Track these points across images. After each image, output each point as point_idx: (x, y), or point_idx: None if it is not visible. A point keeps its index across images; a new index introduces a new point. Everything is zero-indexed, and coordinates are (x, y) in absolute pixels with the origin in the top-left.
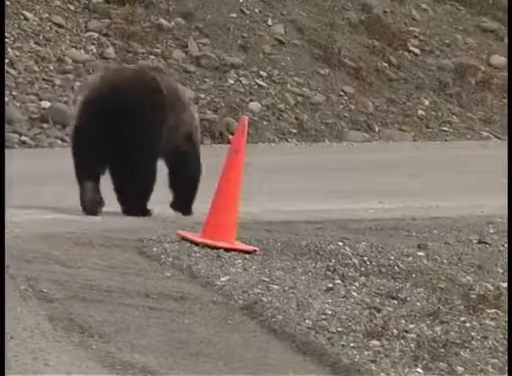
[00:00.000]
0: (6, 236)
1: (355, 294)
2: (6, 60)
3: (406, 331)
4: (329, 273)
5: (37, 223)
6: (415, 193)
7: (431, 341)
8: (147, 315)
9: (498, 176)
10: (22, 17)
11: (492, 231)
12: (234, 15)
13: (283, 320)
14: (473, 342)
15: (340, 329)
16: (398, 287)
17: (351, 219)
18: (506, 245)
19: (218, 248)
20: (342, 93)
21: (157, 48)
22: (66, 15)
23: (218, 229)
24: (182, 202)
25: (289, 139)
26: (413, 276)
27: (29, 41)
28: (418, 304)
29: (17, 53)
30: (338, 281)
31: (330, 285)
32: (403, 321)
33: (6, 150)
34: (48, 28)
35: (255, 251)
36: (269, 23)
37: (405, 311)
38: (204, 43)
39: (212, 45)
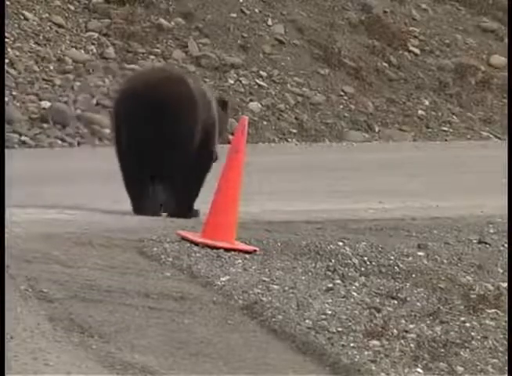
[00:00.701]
0: (6, 236)
1: (355, 294)
2: (6, 60)
3: (406, 331)
4: (329, 273)
5: (37, 223)
6: (415, 193)
7: (431, 341)
8: (147, 315)
9: (498, 176)
10: (22, 17)
11: (492, 231)
12: (234, 15)
13: (283, 320)
14: (473, 342)
15: (340, 329)
16: (398, 287)
17: (351, 219)
18: (506, 245)
19: (218, 248)
20: (342, 93)
21: (157, 48)
22: (66, 15)
23: (218, 229)
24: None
25: (289, 139)
26: (413, 276)
27: (29, 41)
28: (418, 304)
29: (17, 53)
30: (338, 281)
31: (330, 285)
32: (403, 321)
33: (6, 150)
34: (48, 28)
35: (255, 251)
36: (269, 23)
37: (405, 311)
38: (204, 43)
39: (212, 45)
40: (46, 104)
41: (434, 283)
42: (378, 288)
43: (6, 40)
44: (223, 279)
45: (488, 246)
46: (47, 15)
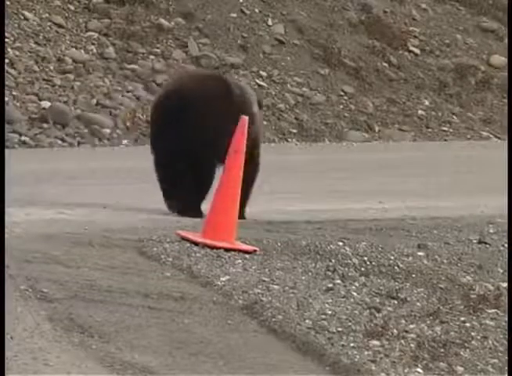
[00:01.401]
0: (6, 236)
1: (355, 294)
2: (6, 60)
3: (406, 331)
4: (329, 273)
5: (37, 223)
6: (415, 193)
7: (431, 341)
8: (147, 315)
9: (498, 176)
10: (22, 17)
11: (492, 231)
12: (234, 15)
13: (283, 320)
14: (473, 342)
15: (340, 329)
16: (398, 287)
17: (351, 219)
18: (506, 245)
19: (218, 248)
20: (342, 93)
21: (157, 48)
22: (66, 15)
23: (218, 229)
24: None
25: (289, 139)
26: (413, 276)
27: (29, 41)
28: (418, 304)
29: (17, 53)
30: (338, 281)
31: (330, 285)
32: (403, 321)
33: (6, 150)
34: (48, 28)
35: (255, 251)
36: (269, 23)
37: (405, 311)
38: (204, 43)
39: (212, 45)
40: (46, 104)
41: (434, 283)
42: (378, 288)
43: (6, 40)
44: (223, 279)
45: (488, 246)
46: (47, 15)
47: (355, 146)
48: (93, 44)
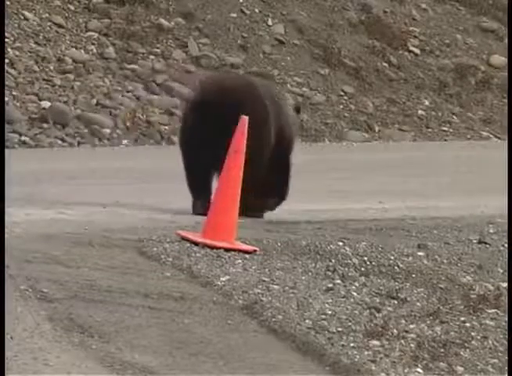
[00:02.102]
0: (6, 236)
1: (355, 294)
2: (6, 60)
3: (406, 331)
4: (329, 273)
5: (37, 223)
6: (415, 193)
7: (431, 341)
8: (147, 315)
9: (498, 176)
10: (22, 17)
11: (492, 231)
12: (234, 15)
13: (283, 320)
14: (473, 342)
15: (340, 329)
16: (398, 287)
17: (351, 219)
18: (506, 245)
19: (218, 248)
20: (342, 93)
21: (157, 48)
22: (66, 15)
23: (218, 229)
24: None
25: None
26: (413, 276)
27: (29, 41)
28: (418, 304)
29: (17, 53)
30: (338, 281)
31: (330, 285)
32: (403, 321)
33: (6, 150)
34: (48, 28)
35: (255, 251)
36: (269, 23)
37: (405, 311)
38: (204, 43)
39: (212, 45)
40: (46, 104)
41: (434, 283)
42: (378, 288)
43: (6, 40)
44: (223, 279)
45: (488, 246)
46: (47, 15)
47: (355, 146)
48: (93, 44)
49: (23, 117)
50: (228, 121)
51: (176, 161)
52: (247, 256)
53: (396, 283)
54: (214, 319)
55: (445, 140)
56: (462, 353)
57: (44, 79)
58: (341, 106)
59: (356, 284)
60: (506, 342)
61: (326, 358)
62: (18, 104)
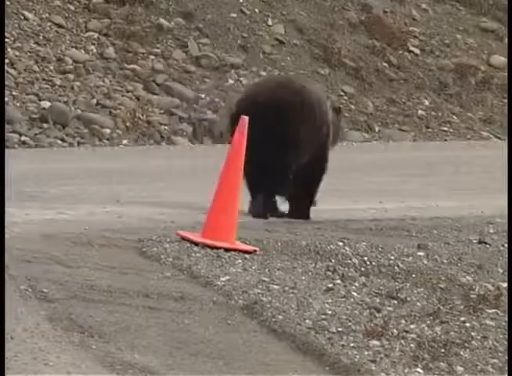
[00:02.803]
0: (6, 236)
1: (355, 294)
2: (6, 60)
3: (406, 331)
4: (329, 273)
5: (37, 223)
6: (415, 193)
7: (431, 341)
8: (147, 315)
9: (498, 176)
10: (22, 17)
11: (492, 231)
12: (234, 15)
13: (283, 320)
14: (473, 342)
15: (340, 329)
16: (398, 287)
17: (351, 219)
18: (506, 245)
19: (218, 248)
20: (342, 93)
21: (157, 48)
22: (66, 15)
23: (218, 229)
24: (301, 207)
25: None
26: (413, 276)
27: (29, 41)
28: (418, 304)
29: (17, 53)
30: (338, 281)
31: (330, 285)
32: (403, 321)
33: (6, 150)
34: (48, 28)
35: (255, 251)
36: (269, 23)
37: (405, 311)
38: (204, 43)
39: (212, 45)
40: (46, 104)
41: (434, 283)
42: (378, 288)
43: (6, 40)
44: (223, 279)
45: (488, 246)
46: (47, 15)
47: (355, 146)
48: (93, 44)
49: (23, 117)
50: (273, 123)
51: (176, 161)
52: (247, 256)
53: (396, 284)
54: (214, 319)
55: (445, 140)
56: (462, 353)
57: (44, 79)
58: (341, 106)
59: (356, 284)
60: (506, 342)
61: (326, 358)
62: (18, 104)
